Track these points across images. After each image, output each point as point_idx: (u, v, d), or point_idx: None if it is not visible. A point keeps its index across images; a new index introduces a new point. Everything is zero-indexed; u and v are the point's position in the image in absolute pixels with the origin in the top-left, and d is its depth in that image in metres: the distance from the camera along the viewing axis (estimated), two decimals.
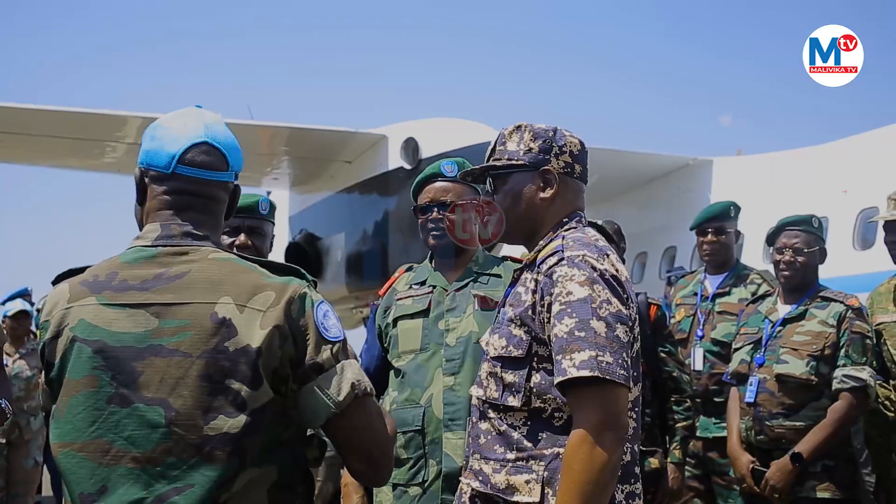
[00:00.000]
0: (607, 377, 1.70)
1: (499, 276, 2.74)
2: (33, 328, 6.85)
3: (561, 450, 1.78)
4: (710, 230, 4.34)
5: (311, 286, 1.58)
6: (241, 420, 1.43)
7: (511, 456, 1.86)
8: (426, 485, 2.59)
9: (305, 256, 11.41)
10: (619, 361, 1.73)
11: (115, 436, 1.43)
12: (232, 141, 1.65)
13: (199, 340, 1.45)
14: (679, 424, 3.69)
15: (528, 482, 1.82)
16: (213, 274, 1.50)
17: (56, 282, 1.60)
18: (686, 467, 3.91)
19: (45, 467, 6.65)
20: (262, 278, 1.52)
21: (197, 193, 1.60)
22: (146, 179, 1.62)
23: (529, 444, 1.85)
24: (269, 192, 11.54)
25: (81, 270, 1.59)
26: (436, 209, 2.77)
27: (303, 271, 1.61)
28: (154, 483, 1.42)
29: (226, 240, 2.73)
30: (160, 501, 1.41)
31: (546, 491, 1.80)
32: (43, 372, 1.57)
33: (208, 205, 1.61)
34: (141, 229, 1.63)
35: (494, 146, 2.07)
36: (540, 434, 1.85)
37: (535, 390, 1.85)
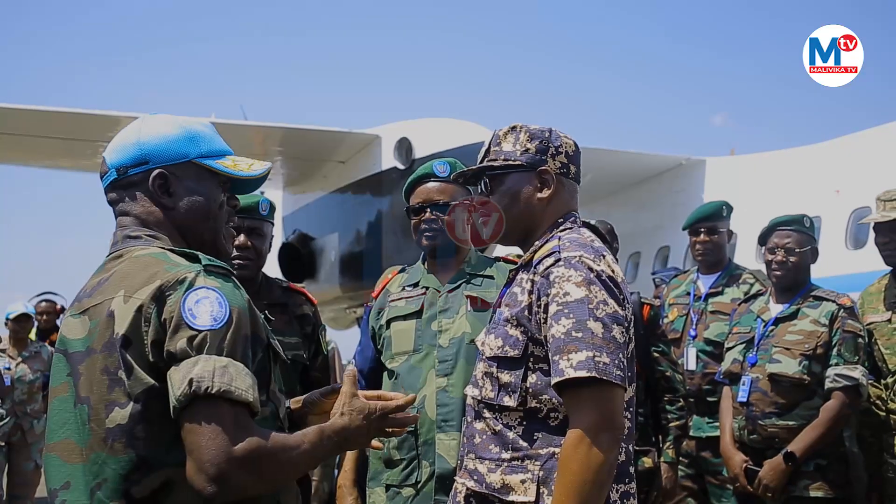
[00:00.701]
0: (604, 377, 1.71)
1: (491, 277, 2.75)
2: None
3: (556, 450, 1.79)
4: (702, 230, 4.35)
5: (208, 272, 1.49)
6: (127, 410, 1.44)
7: (506, 456, 1.86)
8: (419, 486, 2.59)
9: (299, 257, 11.40)
10: (616, 362, 1.73)
11: (78, 436, 1.49)
12: (120, 141, 1.66)
13: (100, 336, 1.48)
14: (672, 424, 3.69)
15: (523, 482, 1.82)
16: (127, 270, 1.53)
17: None
18: (679, 467, 3.92)
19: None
20: (163, 268, 1.49)
21: (110, 202, 1.68)
22: None
23: (525, 444, 1.85)
24: (262, 192, 11.52)
25: None
26: (429, 210, 2.77)
27: (202, 256, 1.53)
28: (92, 478, 1.46)
29: None
30: (92, 494, 1.46)
31: (541, 490, 1.80)
32: None
33: (121, 206, 1.65)
34: None
35: (489, 147, 2.07)
36: (535, 434, 1.85)
37: (531, 390, 1.85)
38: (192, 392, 1.39)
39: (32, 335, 6.97)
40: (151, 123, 1.66)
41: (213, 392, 1.39)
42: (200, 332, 1.42)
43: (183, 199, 1.64)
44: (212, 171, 1.67)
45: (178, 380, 1.40)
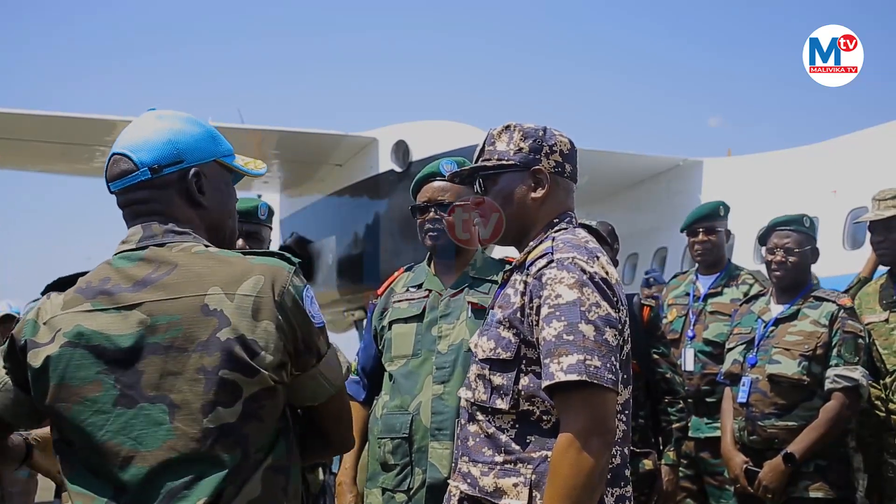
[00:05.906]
0: (595, 381, 1.68)
1: (495, 282, 2.67)
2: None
3: (549, 453, 1.77)
4: (700, 230, 4.35)
5: (296, 273, 1.58)
6: (237, 408, 1.46)
7: (499, 459, 1.85)
8: (411, 493, 2.57)
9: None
10: (608, 365, 1.71)
11: (125, 437, 1.44)
12: (147, 139, 1.60)
13: (192, 334, 1.45)
14: (673, 426, 3.68)
15: (515, 485, 1.80)
16: (199, 266, 1.51)
17: (46, 291, 1.58)
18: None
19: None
20: (247, 262, 1.53)
21: (134, 202, 1.59)
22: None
23: (517, 447, 1.83)
24: (259, 196, 11.52)
25: (72, 280, 1.57)
26: (433, 209, 2.74)
27: (285, 255, 1.59)
28: (162, 480, 1.43)
29: None
30: (171, 497, 1.43)
31: (534, 494, 1.78)
32: (6, 370, 1.55)
33: (150, 206, 1.58)
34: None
35: (483, 147, 2.04)
36: (528, 437, 1.83)
37: (523, 393, 1.84)
38: (345, 376, 1.64)
39: None
40: (175, 121, 1.63)
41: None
42: (321, 327, 1.59)
43: (212, 199, 1.64)
44: (229, 170, 1.69)
45: (335, 367, 1.61)
